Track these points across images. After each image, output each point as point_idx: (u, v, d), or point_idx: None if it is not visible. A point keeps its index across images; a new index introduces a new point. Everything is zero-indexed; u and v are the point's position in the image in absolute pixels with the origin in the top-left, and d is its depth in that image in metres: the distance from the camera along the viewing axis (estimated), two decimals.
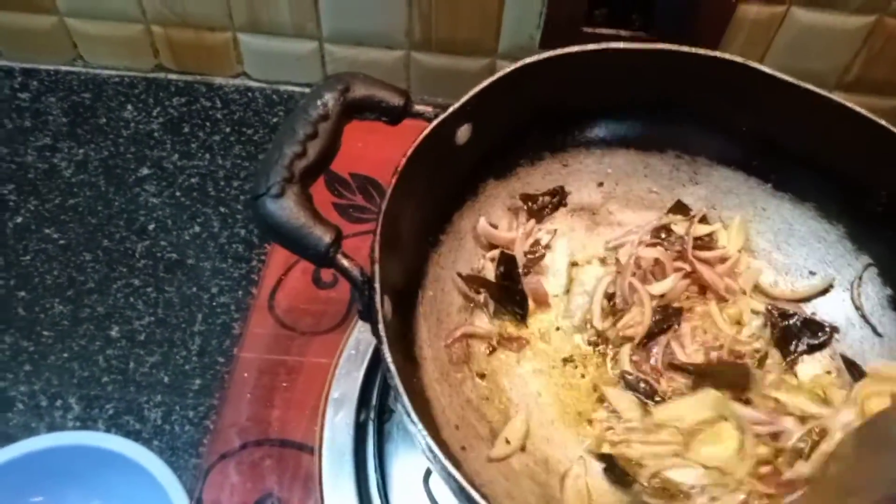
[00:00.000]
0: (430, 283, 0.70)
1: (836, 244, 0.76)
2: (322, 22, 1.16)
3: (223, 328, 1.00)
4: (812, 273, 0.77)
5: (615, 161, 0.82)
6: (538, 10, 1.08)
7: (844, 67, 1.18)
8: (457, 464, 0.57)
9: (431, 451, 0.46)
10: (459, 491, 0.46)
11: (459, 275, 0.73)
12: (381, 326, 0.52)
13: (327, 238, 0.55)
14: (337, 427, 0.74)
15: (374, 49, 1.19)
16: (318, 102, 0.61)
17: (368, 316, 0.54)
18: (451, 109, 0.66)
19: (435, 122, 0.65)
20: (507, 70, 0.69)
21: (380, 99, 0.64)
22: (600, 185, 0.82)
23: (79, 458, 0.82)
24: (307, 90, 1.14)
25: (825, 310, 0.75)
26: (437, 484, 0.67)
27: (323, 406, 0.75)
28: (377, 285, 0.54)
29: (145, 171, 1.14)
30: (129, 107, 1.21)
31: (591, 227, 0.81)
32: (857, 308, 0.73)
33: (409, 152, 0.63)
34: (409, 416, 0.48)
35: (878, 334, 0.72)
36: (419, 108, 0.66)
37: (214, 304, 1.02)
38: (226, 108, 1.22)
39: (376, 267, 0.55)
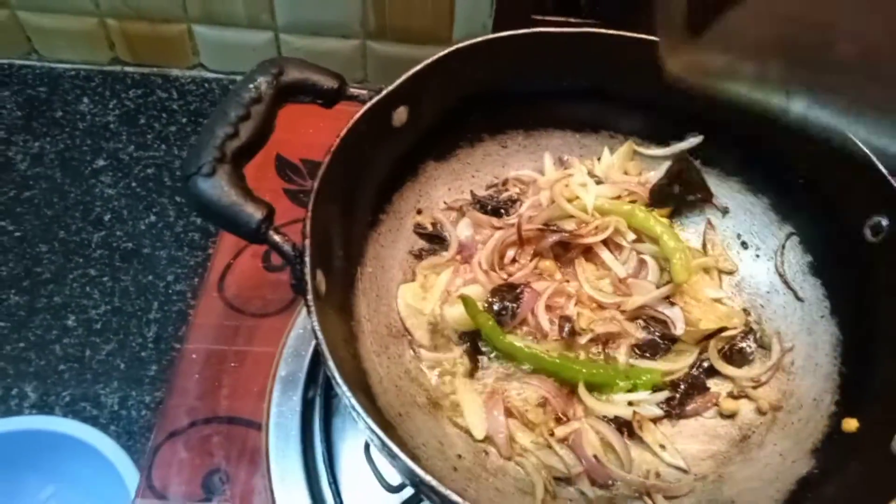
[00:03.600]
0: (370, 261, 0.73)
1: (761, 215, 0.79)
2: (277, 12, 1.17)
3: (179, 315, 1.02)
4: (743, 244, 0.81)
5: (552, 142, 0.84)
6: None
7: None
8: (390, 426, 0.60)
9: (353, 408, 0.49)
10: (382, 446, 0.48)
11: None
12: (310, 297, 0.54)
13: (259, 215, 0.57)
14: (285, 403, 0.76)
15: (329, 39, 1.21)
16: (251, 85, 0.62)
17: (301, 289, 0.56)
18: (384, 92, 0.68)
19: (369, 105, 0.67)
20: (440, 55, 0.72)
21: (314, 82, 0.66)
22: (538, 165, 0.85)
23: (33, 443, 0.84)
24: None
25: (752, 277, 0.79)
26: (376, 453, 0.70)
27: (271, 384, 0.77)
28: (307, 259, 0.56)
29: (101, 162, 1.15)
30: (86, 99, 1.22)
31: None
32: (781, 275, 0.77)
33: (343, 133, 0.65)
34: (333, 377, 0.50)
35: (800, 299, 0.75)
36: (354, 91, 0.68)
37: (170, 291, 1.04)
38: (182, 100, 1.23)
39: (307, 242, 0.57)
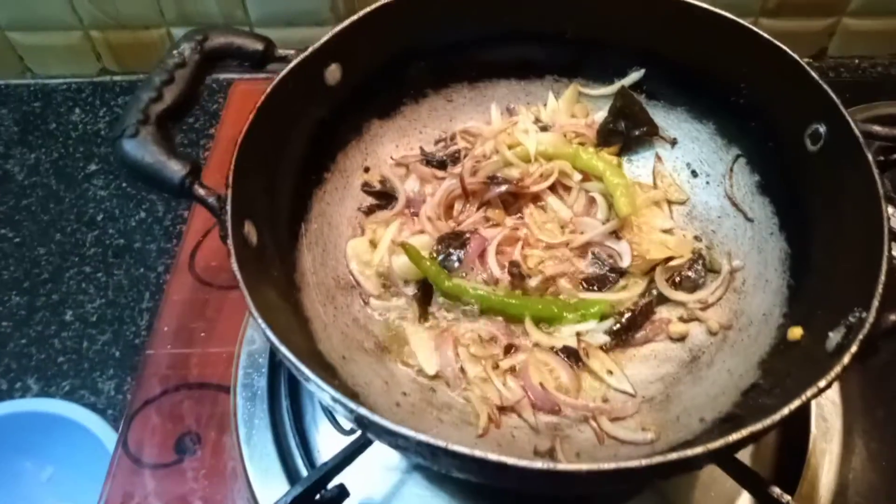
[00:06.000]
0: (315, 218, 0.74)
1: (708, 142, 0.78)
2: (249, 7, 1.21)
3: None
4: (693, 173, 0.80)
5: (498, 92, 0.85)
6: None
7: None
8: (330, 368, 0.62)
9: (265, 333, 0.50)
10: (306, 379, 0.50)
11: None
12: (230, 241, 0.56)
13: (183, 170, 0.59)
14: (252, 366, 0.78)
15: (303, 28, 1.23)
16: (175, 52, 0.65)
17: (225, 237, 0.58)
18: (311, 50, 0.70)
19: (295, 62, 0.69)
20: (368, 10, 0.73)
21: (238, 45, 0.68)
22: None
23: (29, 426, 0.87)
24: (247, 77, 1.19)
25: (704, 205, 0.78)
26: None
27: (238, 349, 0.79)
28: (229, 207, 0.58)
29: (93, 167, 1.20)
30: (77, 110, 1.27)
31: None
32: (730, 198, 0.76)
33: (269, 90, 0.67)
34: (250, 310, 0.52)
35: (749, 219, 0.74)
36: (282, 52, 0.70)
37: (161, 281, 1.07)
38: None
39: (229, 191, 0.59)
